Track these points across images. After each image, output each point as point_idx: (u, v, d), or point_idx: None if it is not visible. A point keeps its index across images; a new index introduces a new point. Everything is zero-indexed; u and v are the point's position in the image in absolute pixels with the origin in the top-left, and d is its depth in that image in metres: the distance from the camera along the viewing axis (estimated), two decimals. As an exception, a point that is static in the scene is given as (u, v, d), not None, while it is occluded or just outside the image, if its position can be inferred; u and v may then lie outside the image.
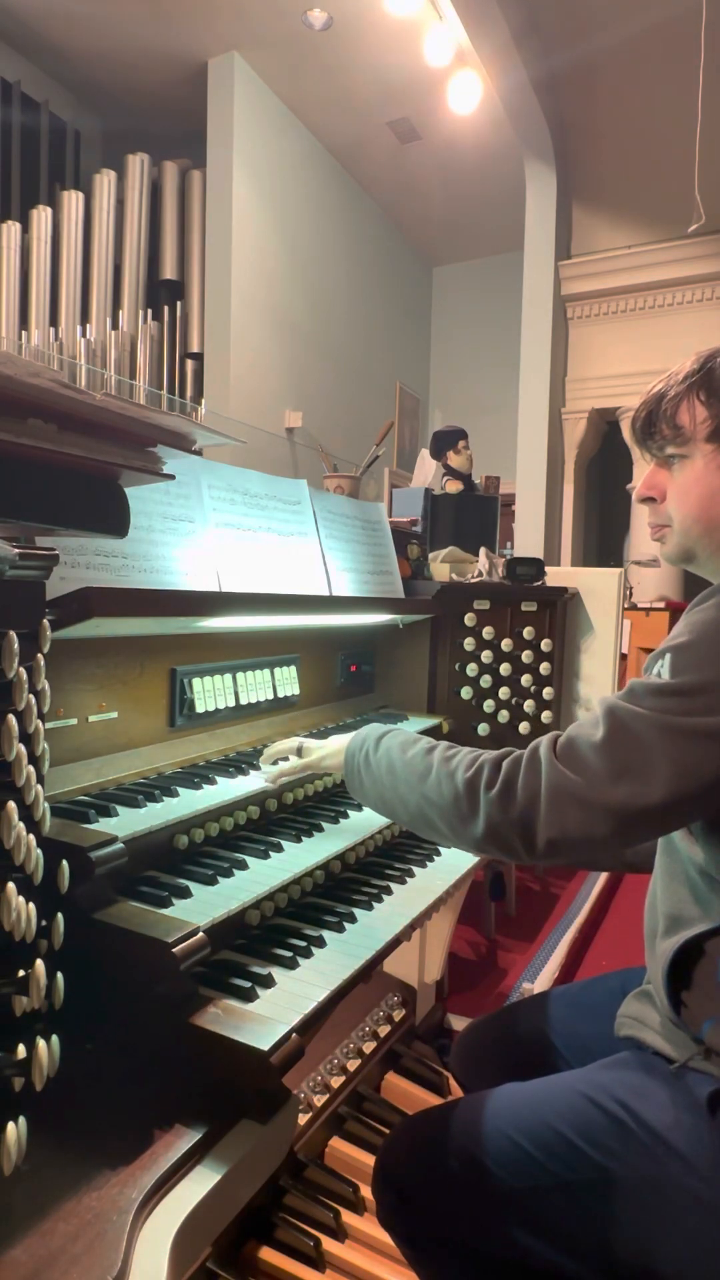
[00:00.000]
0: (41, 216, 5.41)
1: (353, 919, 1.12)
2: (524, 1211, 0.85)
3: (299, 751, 1.22)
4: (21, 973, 0.73)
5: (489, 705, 2.16)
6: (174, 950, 0.84)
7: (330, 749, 1.16)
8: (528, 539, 6.08)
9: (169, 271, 5.75)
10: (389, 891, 1.23)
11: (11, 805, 0.71)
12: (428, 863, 1.37)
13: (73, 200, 5.50)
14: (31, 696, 0.74)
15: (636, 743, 0.78)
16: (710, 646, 0.79)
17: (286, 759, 1.24)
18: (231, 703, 1.45)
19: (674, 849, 0.92)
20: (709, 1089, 0.81)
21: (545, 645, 2.28)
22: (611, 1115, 0.84)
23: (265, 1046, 0.79)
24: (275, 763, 1.25)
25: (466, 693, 2.12)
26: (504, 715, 2.18)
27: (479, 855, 0.93)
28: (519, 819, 0.82)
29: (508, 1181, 0.85)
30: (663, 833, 0.90)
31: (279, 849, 1.18)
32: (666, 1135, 0.81)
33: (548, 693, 2.29)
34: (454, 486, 2.78)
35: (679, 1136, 0.80)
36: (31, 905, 0.73)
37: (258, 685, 1.52)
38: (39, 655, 0.75)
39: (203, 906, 0.97)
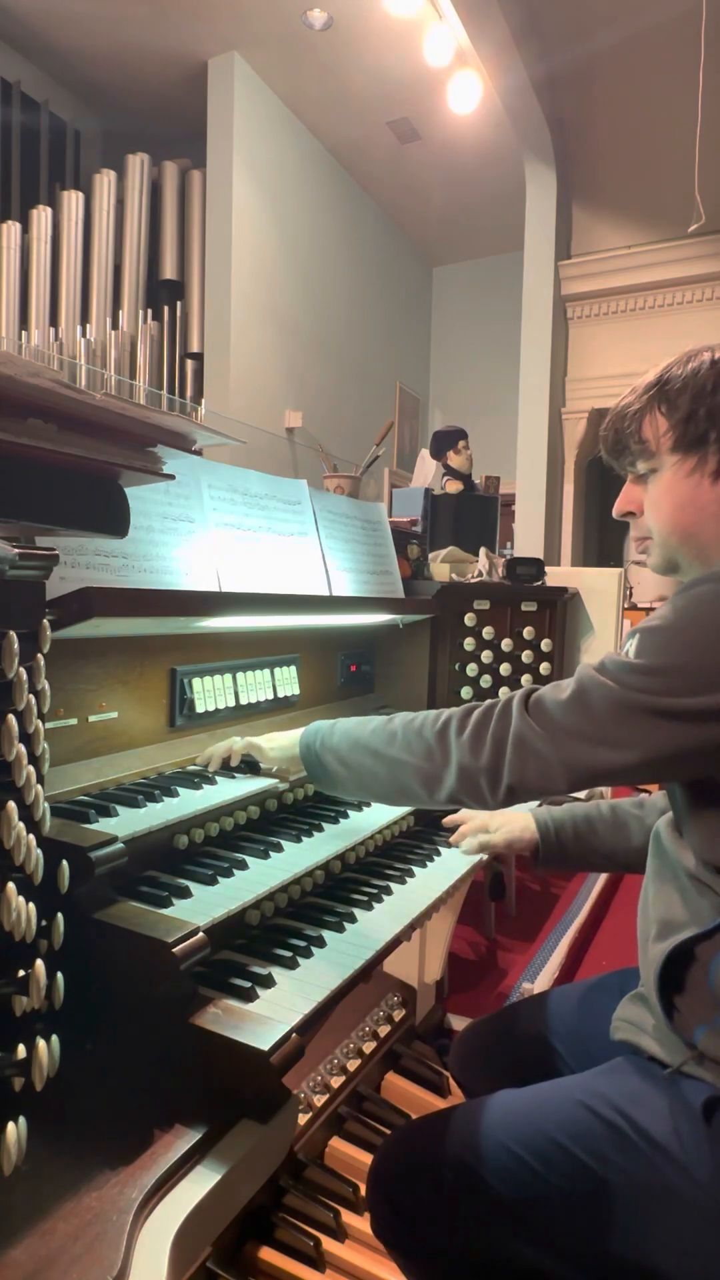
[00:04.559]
0: (41, 216, 5.41)
1: (353, 919, 1.12)
2: (521, 1222, 0.84)
3: (245, 748, 1.25)
4: (21, 973, 0.73)
5: (489, 705, 2.16)
6: (174, 950, 0.84)
7: (276, 746, 1.18)
8: (528, 539, 6.08)
9: (169, 271, 5.75)
10: (389, 891, 1.23)
11: (11, 805, 0.71)
12: (428, 863, 1.37)
13: (73, 200, 5.50)
14: (31, 696, 0.74)
15: (594, 709, 0.82)
16: (676, 633, 0.81)
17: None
18: (231, 703, 1.45)
19: (664, 852, 0.93)
20: (704, 1096, 0.81)
21: (545, 645, 2.28)
22: (609, 1123, 0.83)
23: (265, 1046, 0.79)
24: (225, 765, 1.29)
25: (466, 693, 2.12)
26: (504, 715, 2.18)
27: (450, 805, 0.96)
28: (487, 764, 0.87)
29: (504, 1191, 0.84)
30: (614, 786, 0.93)
31: (279, 849, 1.18)
32: (664, 1143, 0.80)
33: (548, 693, 2.29)
34: (454, 486, 2.78)
35: (676, 1144, 0.79)
36: (31, 905, 0.73)
37: (258, 685, 1.52)
38: (39, 655, 0.75)
39: (203, 906, 0.97)
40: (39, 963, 0.73)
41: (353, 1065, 1.59)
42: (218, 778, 1.24)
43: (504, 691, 2.18)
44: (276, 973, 0.95)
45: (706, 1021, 0.83)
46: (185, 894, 0.99)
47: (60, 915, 0.78)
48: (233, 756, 1.27)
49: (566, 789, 0.84)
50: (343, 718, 1.09)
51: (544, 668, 2.28)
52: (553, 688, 0.88)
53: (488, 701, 0.92)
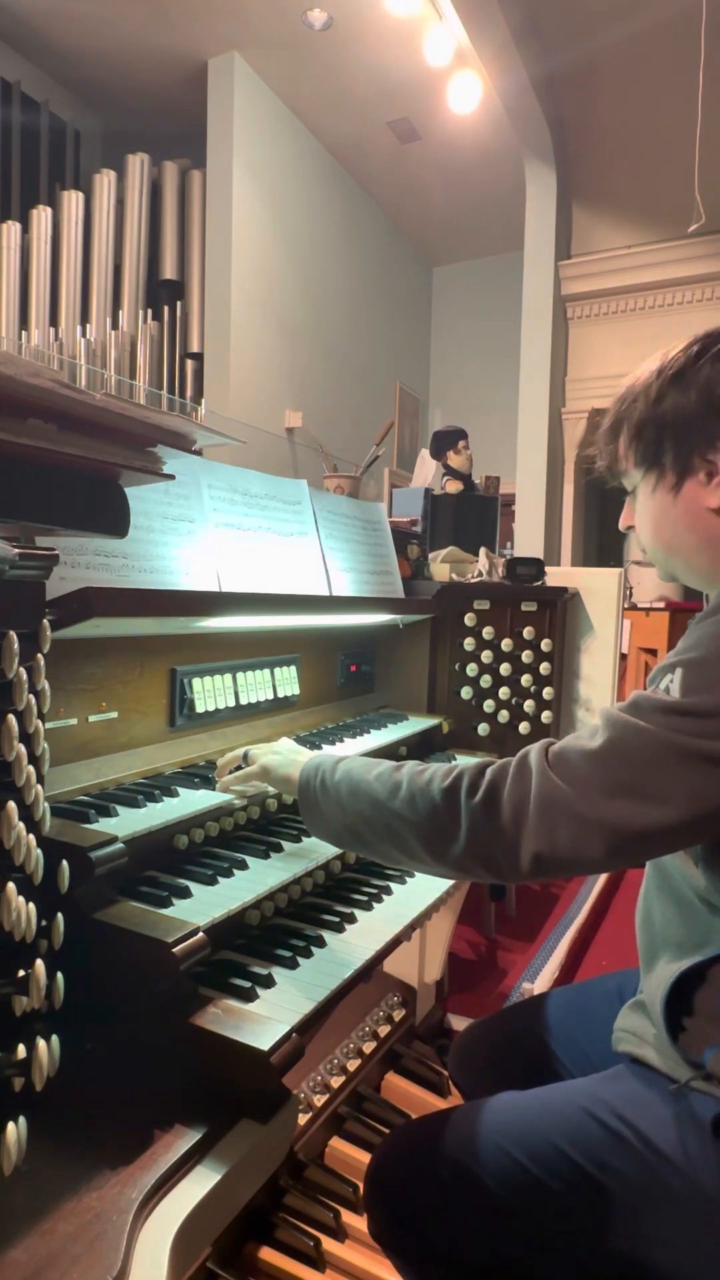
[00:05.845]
0: (41, 216, 5.41)
1: (353, 919, 1.12)
2: (519, 1226, 0.83)
3: (245, 759, 1.17)
4: (21, 973, 0.73)
5: (489, 705, 2.16)
6: (174, 950, 0.84)
7: (277, 758, 1.10)
8: (528, 539, 6.08)
9: (169, 271, 5.75)
10: (389, 891, 1.23)
11: (11, 805, 0.71)
12: (428, 863, 1.37)
13: (73, 200, 5.50)
14: (31, 696, 0.74)
15: (638, 759, 0.73)
16: None
17: (239, 768, 1.18)
18: (231, 703, 1.45)
19: (664, 866, 0.90)
20: (714, 1112, 0.79)
21: (545, 645, 2.28)
22: (611, 1130, 0.82)
23: (265, 1046, 0.79)
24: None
25: (466, 693, 2.12)
26: (504, 715, 2.18)
27: (458, 875, 0.85)
28: (504, 830, 0.77)
29: (503, 1195, 0.83)
30: (658, 855, 0.87)
31: (279, 849, 1.18)
32: (668, 1152, 0.79)
33: (548, 693, 2.29)
34: (454, 486, 2.78)
35: (680, 1154, 0.79)
36: (31, 905, 0.73)
37: (258, 685, 1.52)
38: (39, 655, 0.75)
39: (203, 906, 0.97)
40: (39, 963, 0.73)
41: (353, 1065, 1.59)
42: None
43: (504, 692, 2.18)
44: (276, 973, 0.95)
45: (717, 1044, 0.81)
46: (185, 894, 0.99)
47: (60, 915, 0.78)
48: (242, 780, 1.17)
49: (605, 856, 0.74)
50: (348, 756, 1.00)
51: (544, 668, 2.28)
52: (575, 738, 0.79)
53: (503, 760, 0.82)
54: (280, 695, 1.59)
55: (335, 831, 0.95)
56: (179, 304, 5.68)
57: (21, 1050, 0.71)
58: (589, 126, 5.73)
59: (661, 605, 4.87)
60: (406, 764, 0.92)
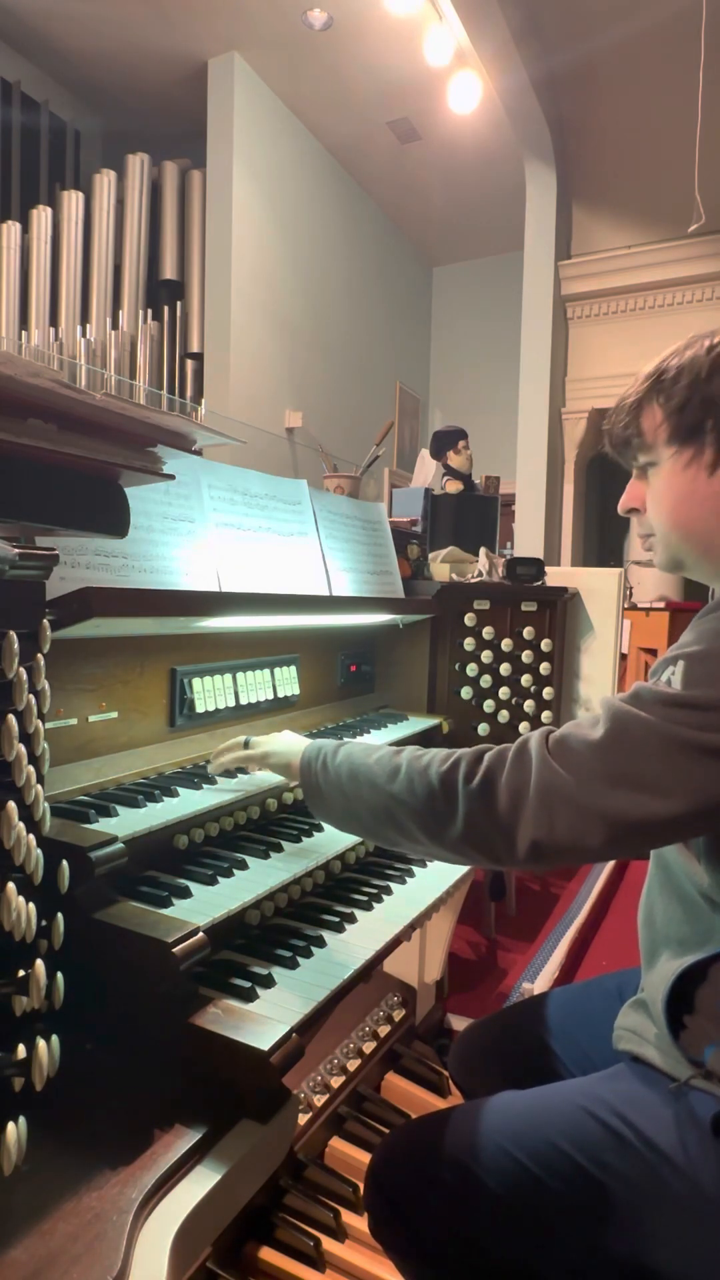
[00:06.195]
0: (41, 216, 5.41)
1: (353, 919, 1.12)
2: (519, 1225, 0.83)
3: (246, 746, 1.18)
4: (21, 973, 0.73)
5: (489, 705, 2.16)
6: (174, 950, 0.84)
7: (277, 744, 1.12)
8: (528, 539, 6.08)
9: (169, 271, 5.75)
10: (389, 891, 1.23)
11: (11, 805, 0.71)
12: (428, 863, 1.37)
13: (73, 200, 5.50)
14: (31, 696, 0.74)
15: (639, 750, 0.73)
16: None
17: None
18: (231, 703, 1.45)
19: (668, 864, 0.91)
20: (713, 1110, 0.79)
21: (545, 645, 2.28)
22: (611, 1129, 0.82)
23: (265, 1046, 0.79)
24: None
25: (466, 693, 2.12)
26: (504, 715, 2.18)
27: (457, 860, 0.86)
28: (502, 816, 0.77)
29: (502, 1194, 0.84)
30: (658, 846, 0.87)
31: (279, 849, 1.18)
32: (668, 1151, 0.79)
33: (548, 693, 2.29)
34: (454, 486, 2.78)
35: (680, 1153, 0.79)
36: (31, 905, 0.73)
37: (258, 685, 1.53)
38: (39, 655, 0.75)
39: (203, 906, 0.97)
40: (39, 963, 0.73)
41: (353, 1065, 1.59)
42: (218, 778, 1.23)
43: (504, 692, 2.18)
44: (276, 973, 0.95)
45: (717, 1041, 0.82)
46: (185, 894, 0.99)
47: (60, 915, 0.78)
48: (240, 763, 1.20)
49: (603, 845, 0.74)
50: (350, 740, 1.03)
51: (544, 668, 2.28)
52: (576, 726, 0.79)
53: (500, 746, 0.83)
54: (280, 695, 1.59)
55: (337, 814, 0.97)
56: (179, 304, 5.68)
57: (21, 1050, 0.71)
58: (589, 126, 5.73)
59: (661, 605, 4.87)
60: (407, 748, 0.92)
